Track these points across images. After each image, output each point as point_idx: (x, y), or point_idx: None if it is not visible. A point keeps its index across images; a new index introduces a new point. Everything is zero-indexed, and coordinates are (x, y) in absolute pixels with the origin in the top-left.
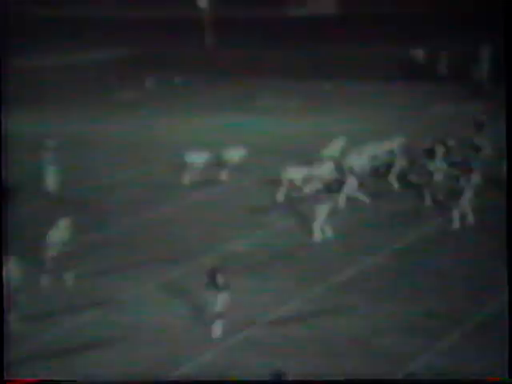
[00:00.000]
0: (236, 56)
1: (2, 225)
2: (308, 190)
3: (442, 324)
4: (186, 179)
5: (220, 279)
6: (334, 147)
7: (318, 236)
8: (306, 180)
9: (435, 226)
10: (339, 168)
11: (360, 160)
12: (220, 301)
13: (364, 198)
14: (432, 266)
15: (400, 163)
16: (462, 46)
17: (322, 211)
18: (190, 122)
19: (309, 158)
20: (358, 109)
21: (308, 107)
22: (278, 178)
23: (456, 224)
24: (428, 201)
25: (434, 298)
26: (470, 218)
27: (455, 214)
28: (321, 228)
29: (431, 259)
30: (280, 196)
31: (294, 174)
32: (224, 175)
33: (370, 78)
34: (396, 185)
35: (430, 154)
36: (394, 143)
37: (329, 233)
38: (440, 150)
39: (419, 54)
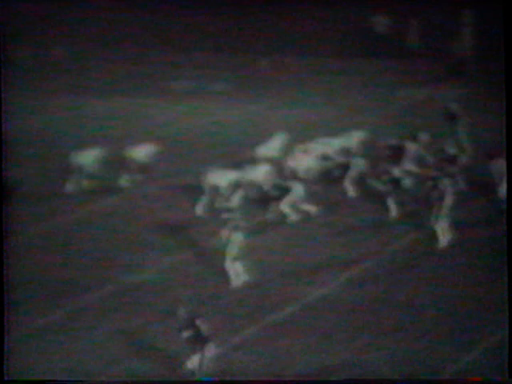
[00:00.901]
0: (142, 21)
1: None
2: (238, 199)
3: (413, 373)
4: (72, 186)
5: (203, 327)
6: (273, 144)
7: (235, 280)
8: (235, 187)
9: (403, 244)
10: (279, 171)
11: (307, 161)
12: (207, 353)
13: (311, 208)
14: (399, 298)
15: (358, 165)
16: (437, 11)
17: (234, 243)
18: (77, 108)
19: (239, 157)
20: (303, 93)
21: (238, 90)
22: (197, 183)
23: (443, 241)
24: (394, 212)
25: (403, 340)
26: (447, 235)
27: (439, 228)
28: (234, 267)
29: (398, 288)
30: (200, 208)
31: (219, 178)
32: (125, 180)
33: (319, 53)
34: (353, 192)
35: (397, 152)
36: (351, 139)
37: (243, 274)
38: (410, 148)
39: (382, 22)
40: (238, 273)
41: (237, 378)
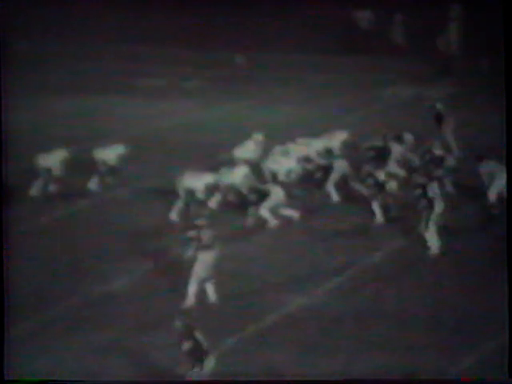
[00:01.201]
0: (109, 13)
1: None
2: (214, 204)
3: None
4: (37, 190)
5: (201, 338)
6: (251, 145)
7: (190, 300)
8: (211, 191)
9: (390, 251)
10: (258, 174)
11: (286, 163)
12: (207, 366)
13: (293, 213)
14: (386, 307)
15: (341, 167)
16: (424, 6)
17: (202, 263)
18: (39, 107)
19: (215, 160)
20: (283, 92)
21: (213, 88)
22: (171, 187)
23: (433, 249)
24: (379, 217)
25: (391, 352)
26: (437, 241)
27: (429, 236)
28: (198, 288)
29: (385, 297)
30: (174, 213)
31: (194, 182)
32: (94, 183)
33: (299, 50)
34: (335, 196)
35: (381, 154)
36: (333, 140)
37: (212, 295)
38: (395, 149)
39: (366, 16)
40: (207, 294)
41: (236, 379)
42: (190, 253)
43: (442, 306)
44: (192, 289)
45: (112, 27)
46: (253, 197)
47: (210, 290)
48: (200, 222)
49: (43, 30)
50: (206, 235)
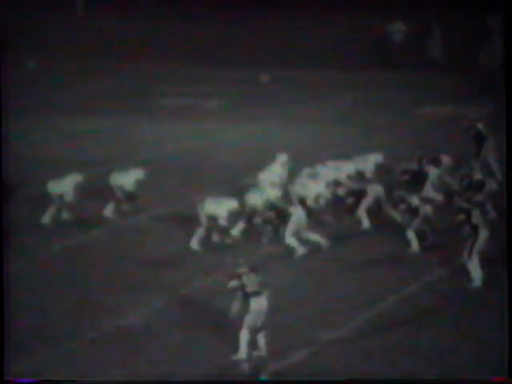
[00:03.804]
0: (126, 29)
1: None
2: (237, 232)
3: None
4: (50, 218)
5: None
6: (275, 168)
7: (242, 352)
8: (235, 217)
9: (426, 282)
10: (284, 199)
11: (315, 187)
12: None
13: (321, 241)
14: (421, 344)
15: (374, 191)
16: (462, 17)
17: (253, 313)
18: (52, 129)
19: (239, 184)
20: (309, 111)
21: (236, 108)
22: (191, 213)
23: (476, 280)
24: (414, 246)
25: None
26: (479, 272)
27: (471, 265)
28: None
29: (420, 333)
30: (195, 242)
31: (217, 208)
32: (109, 210)
33: (327, 66)
34: (368, 223)
35: (417, 178)
36: (365, 162)
37: (263, 346)
38: (431, 173)
39: (399, 30)
40: (257, 345)
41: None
42: (237, 307)
43: (485, 345)
44: (244, 340)
45: (129, 45)
46: (278, 222)
47: (262, 341)
48: (241, 269)
49: (55, 48)
50: (251, 281)
